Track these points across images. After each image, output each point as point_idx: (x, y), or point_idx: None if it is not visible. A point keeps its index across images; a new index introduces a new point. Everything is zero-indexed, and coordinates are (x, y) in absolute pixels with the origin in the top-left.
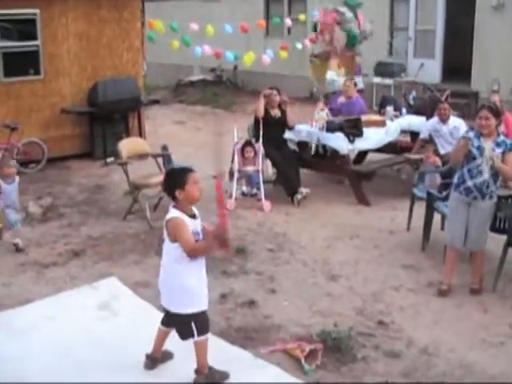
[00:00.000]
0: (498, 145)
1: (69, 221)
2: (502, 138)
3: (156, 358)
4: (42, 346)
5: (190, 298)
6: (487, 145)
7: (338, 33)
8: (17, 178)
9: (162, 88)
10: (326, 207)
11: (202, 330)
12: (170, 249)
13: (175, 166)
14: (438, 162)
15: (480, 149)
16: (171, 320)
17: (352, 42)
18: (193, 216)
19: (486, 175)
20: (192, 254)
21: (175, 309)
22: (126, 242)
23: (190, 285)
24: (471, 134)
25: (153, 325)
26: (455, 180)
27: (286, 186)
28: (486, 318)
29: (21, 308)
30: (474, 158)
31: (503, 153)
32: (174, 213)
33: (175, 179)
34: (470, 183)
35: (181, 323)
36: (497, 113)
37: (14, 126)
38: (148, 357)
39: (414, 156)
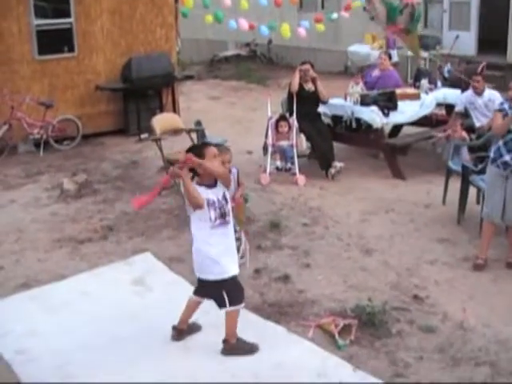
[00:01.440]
0: None
1: (103, 197)
2: None
3: (182, 330)
4: (77, 321)
5: (214, 264)
6: None
7: (377, 3)
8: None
9: (196, 63)
10: (360, 181)
11: (235, 300)
12: (192, 218)
13: (207, 141)
14: (465, 136)
15: None
16: (204, 289)
17: (392, 14)
18: (210, 185)
19: None
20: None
21: (203, 275)
22: (160, 218)
23: (212, 252)
24: (506, 106)
25: (187, 300)
26: (492, 154)
27: (320, 160)
28: None
29: (56, 284)
30: (510, 131)
31: None
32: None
33: (201, 149)
34: (507, 157)
35: (212, 291)
36: None
37: (48, 104)
38: (174, 328)
39: (440, 134)
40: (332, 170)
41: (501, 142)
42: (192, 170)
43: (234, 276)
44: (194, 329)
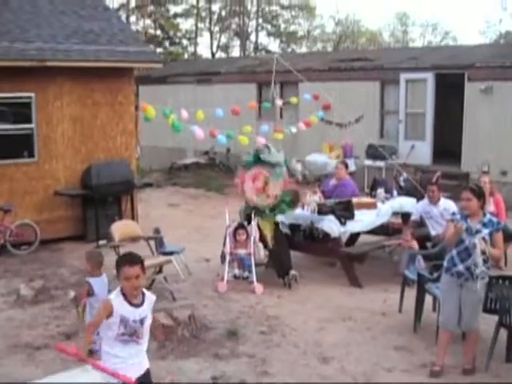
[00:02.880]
0: (484, 225)
1: (61, 303)
2: (488, 217)
3: None
4: None
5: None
6: (478, 238)
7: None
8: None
9: (155, 171)
10: (318, 289)
11: None
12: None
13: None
14: (415, 245)
15: (468, 231)
16: None
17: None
18: (136, 305)
19: (477, 258)
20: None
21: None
22: None
23: (110, 361)
24: (458, 217)
25: None
26: (445, 263)
27: (277, 269)
28: None
29: None
30: (462, 241)
31: (490, 233)
32: (113, 294)
33: (116, 266)
34: (460, 266)
35: None
36: (479, 194)
37: (7, 208)
38: None
39: (391, 242)
40: (286, 279)
41: (454, 252)
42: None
43: None
44: None
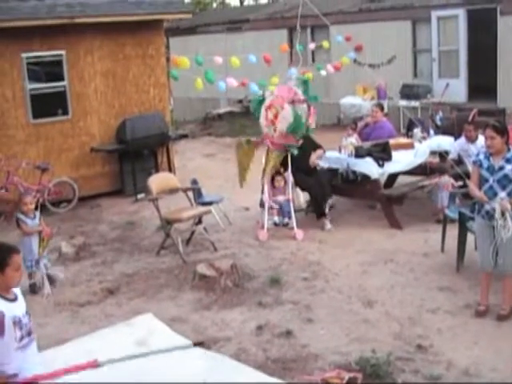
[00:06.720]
0: (507, 161)
1: (102, 259)
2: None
3: None
4: (82, 381)
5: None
6: (497, 202)
7: (287, 111)
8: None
9: (189, 122)
10: (358, 233)
11: None
12: None
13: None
14: (451, 187)
15: (490, 169)
16: None
17: (295, 128)
18: (12, 299)
19: (503, 194)
20: None
21: None
22: (160, 278)
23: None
24: (481, 156)
25: (190, 360)
26: (476, 205)
27: (316, 209)
28: None
29: (58, 347)
30: (487, 180)
31: None
32: None
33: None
34: (488, 206)
35: None
36: (502, 130)
37: (44, 167)
38: None
39: (427, 182)
40: (326, 208)
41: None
42: None
43: None
44: None
